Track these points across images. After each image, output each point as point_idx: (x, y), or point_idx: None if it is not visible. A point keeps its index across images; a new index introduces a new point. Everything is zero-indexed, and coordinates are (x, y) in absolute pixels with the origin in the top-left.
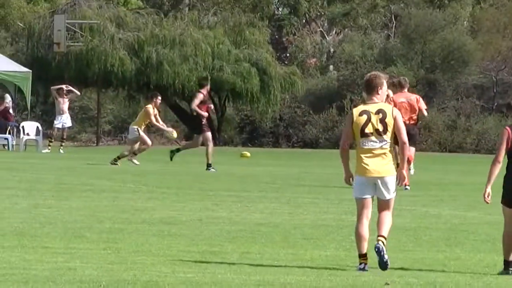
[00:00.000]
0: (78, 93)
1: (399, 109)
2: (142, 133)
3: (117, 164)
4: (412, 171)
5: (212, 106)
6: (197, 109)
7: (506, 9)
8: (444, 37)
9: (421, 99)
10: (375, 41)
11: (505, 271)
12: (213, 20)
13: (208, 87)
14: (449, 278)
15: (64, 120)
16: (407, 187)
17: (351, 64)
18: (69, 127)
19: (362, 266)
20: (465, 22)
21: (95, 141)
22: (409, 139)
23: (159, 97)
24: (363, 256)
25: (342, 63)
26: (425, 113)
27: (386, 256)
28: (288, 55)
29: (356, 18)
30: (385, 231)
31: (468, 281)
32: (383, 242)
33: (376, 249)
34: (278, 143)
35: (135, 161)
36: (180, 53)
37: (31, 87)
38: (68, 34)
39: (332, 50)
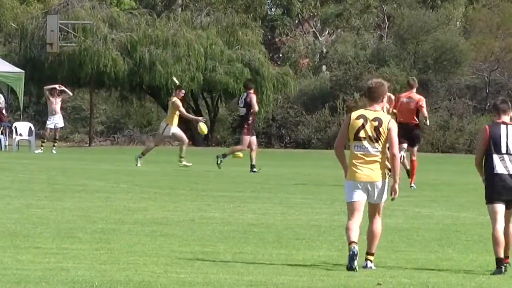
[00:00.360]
0: (71, 93)
1: (400, 109)
2: (161, 136)
3: (183, 163)
4: (413, 186)
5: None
6: (257, 109)
7: (498, 9)
8: (436, 38)
9: (423, 101)
10: (368, 42)
11: (498, 270)
12: (206, 21)
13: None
14: (442, 279)
15: (56, 121)
16: (412, 185)
17: (344, 64)
18: (61, 128)
19: (354, 250)
20: (457, 23)
21: (88, 142)
22: (412, 140)
23: (183, 90)
24: (352, 243)
25: (334, 64)
26: (425, 113)
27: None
28: (281, 55)
29: (349, 18)
30: (374, 247)
31: (460, 281)
32: (371, 261)
33: (364, 268)
34: (270, 144)
35: (139, 162)
36: (173, 53)
37: (23, 88)
38: (61, 34)
39: (324, 50)
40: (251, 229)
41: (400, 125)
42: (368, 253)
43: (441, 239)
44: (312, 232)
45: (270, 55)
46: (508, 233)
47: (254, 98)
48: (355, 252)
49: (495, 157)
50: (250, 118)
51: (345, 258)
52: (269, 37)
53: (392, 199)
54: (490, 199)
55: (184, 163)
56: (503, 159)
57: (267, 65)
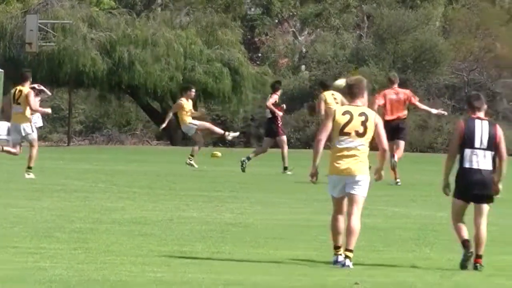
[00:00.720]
0: (49, 93)
1: (391, 106)
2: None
3: (192, 164)
4: (399, 181)
5: (284, 106)
6: (272, 107)
7: (478, 9)
8: (416, 37)
9: (410, 94)
10: (347, 41)
11: (466, 253)
12: (186, 20)
13: (280, 91)
14: (419, 278)
15: (35, 120)
16: (398, 181)
17: (323, 64)
18: (40, 127)
19: (336, 258)
20: (437, 23)
21: (66, 141)
22: (399, 134)
23: (193, 90)
24: (337, 248)
25: (314, 63)
26: (420, 105)
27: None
28: (260, 55)
29: (329, 18)
30: (352, 244)
31: (437, 280)
32: (350, 259)
33: (342, 266)
34: (249, 143)
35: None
36: (152, 53)
37: (3, 87)
38: (40, 34)
39: (304, 50)
40: (229, 229)
41: (389, 122)
42: (347, 250)
43: (419, 238)
44: (290, 231)
45: (250, 54)
46: (480, 230)
47: (272, 97)
48: (341, 263)
49: (468, 151)
50: (279, 119)
51: (322, 257)
52: (249, 36)
53: (376, 180)
54: (457, 193)
55: (190, 161)
56: (476, 154)
57: (247, 65)
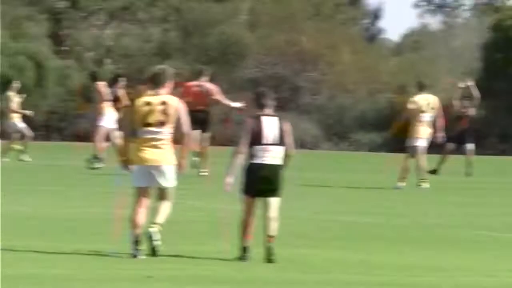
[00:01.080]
0: None
1: (192, 96)
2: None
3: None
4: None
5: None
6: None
7: (284, 5)
8: (222, 31)
9: (214, 87)
10: (153, 35)
11: (242, 257)
12: None
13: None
14: (213, 271)
15: None
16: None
17: (128, 57)
18: None
19: (135, 252)
20: (244, 16)
21: None
22: (202, 124)
23: (16, 82)
24: (136, 243)
25: (119, 57)
26: (222, 100)
27: (156, 242)
28: (66, 48)
29: (136, 11)
30: (160, 219)
31: (231, 273)
32: (157, 228)
33: (148, 235)
34: (50, 137)
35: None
36: None
37: None
38: None
39: (110, 43)
40: (24, 223)
41: (192, 113)
42: (154, 223)
43: (212, 231)
44: (85, 224)
45: (55, 48)
46: (269, 223)
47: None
48: (138, 255)
49: (257, 147)
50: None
51: (118, 250)
52: (55, 30)
53: (180, 172)
54: (246, 190)
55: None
56: (264, 150)
57: (51, 58)
